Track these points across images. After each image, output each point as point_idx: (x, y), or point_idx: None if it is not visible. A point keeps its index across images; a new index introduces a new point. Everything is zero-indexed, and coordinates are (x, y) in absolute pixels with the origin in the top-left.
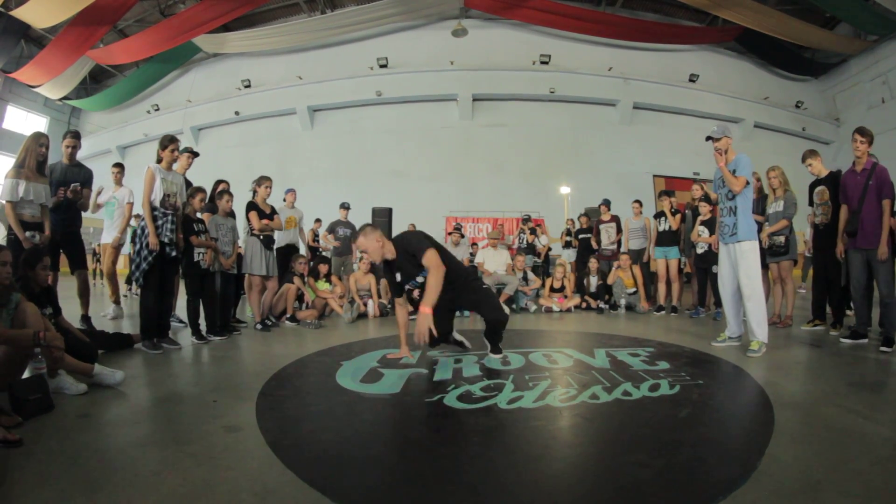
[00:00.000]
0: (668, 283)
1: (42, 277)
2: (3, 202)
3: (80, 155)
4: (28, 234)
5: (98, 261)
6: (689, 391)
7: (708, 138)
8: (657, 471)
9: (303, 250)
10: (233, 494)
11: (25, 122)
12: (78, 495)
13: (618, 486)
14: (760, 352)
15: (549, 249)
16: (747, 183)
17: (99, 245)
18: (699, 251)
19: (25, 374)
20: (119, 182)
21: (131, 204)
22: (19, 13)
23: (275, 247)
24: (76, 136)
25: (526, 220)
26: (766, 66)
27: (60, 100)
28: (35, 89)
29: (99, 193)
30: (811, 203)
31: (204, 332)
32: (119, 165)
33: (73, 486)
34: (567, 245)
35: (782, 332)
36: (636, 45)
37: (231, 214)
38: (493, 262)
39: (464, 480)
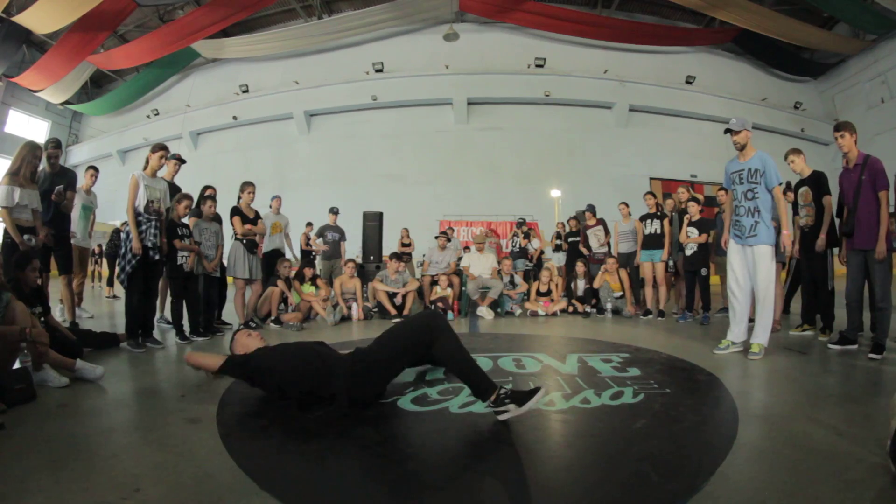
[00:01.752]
0: (656, 287)
1: (31, 279)
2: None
3: (80, 159)
4: (25, 237)
5: (97, 262)
6: (653, 400)
7: (727, 131)
8: (589, 486)
9: (289, 255)
10: (176, 476)
11: (27, 125)
12: (44, 471)
13: (541, 501)
14: (761, 354)
15: (542, 253)
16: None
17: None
18: (688, 253)
19: (15, 367)
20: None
21: None
22: (21, 19)
23: (259, 251)
24: (57, 145)
25: (520, 223)
26: (764, 67)
27: (62, 104)
28: (37, 94)
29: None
30: (795, 205)
31: (187, 333)
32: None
33: (42, 464)
34: (557, 248)
35: (770, 337)
36: (632, 48)
37: (216, 219)
38: (479, 266)
39: (387, 480)
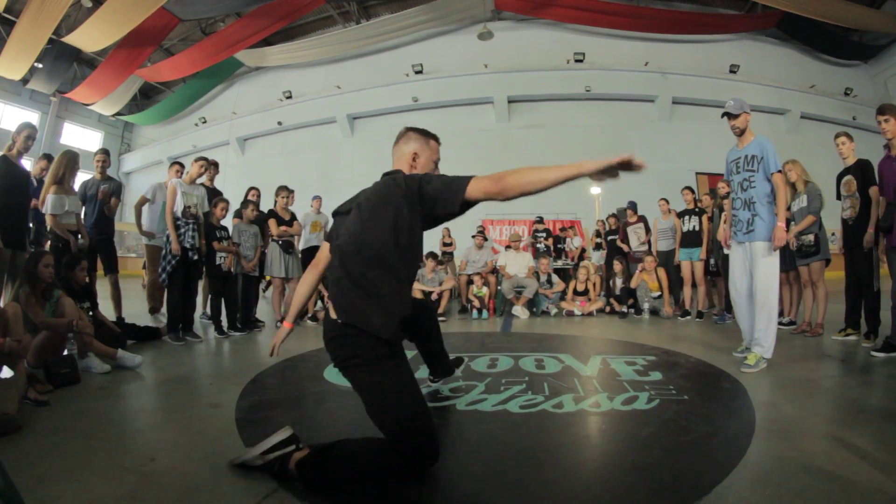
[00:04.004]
0: (695, 286)
1: (80, 278)
2: (49, 214)
3: (133, 166)
4: (80, 241)
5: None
6: (666, 408)
7: (724, 114)
8: (568, 494)
9: None
10: (189, 451)
11: (82, 136)
12: (77, 440)
13: None
14: (758, 367)
15: (583, 251)
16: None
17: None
18: (726, 251)
19: (64, 354)
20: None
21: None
22: (70, 39)
23: (299, 249)
24: (105, 152)
25: (538, 220)
26: (811, 52)
27: (113, 115)
28: (89, 107)
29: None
30: (839, 196)
31: (225, 328)
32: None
33: (76, 435)
34: (598, 247)
35: (810, 342)
36: (672, 38)
37: (256, 221)
38: (515, 265)
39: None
